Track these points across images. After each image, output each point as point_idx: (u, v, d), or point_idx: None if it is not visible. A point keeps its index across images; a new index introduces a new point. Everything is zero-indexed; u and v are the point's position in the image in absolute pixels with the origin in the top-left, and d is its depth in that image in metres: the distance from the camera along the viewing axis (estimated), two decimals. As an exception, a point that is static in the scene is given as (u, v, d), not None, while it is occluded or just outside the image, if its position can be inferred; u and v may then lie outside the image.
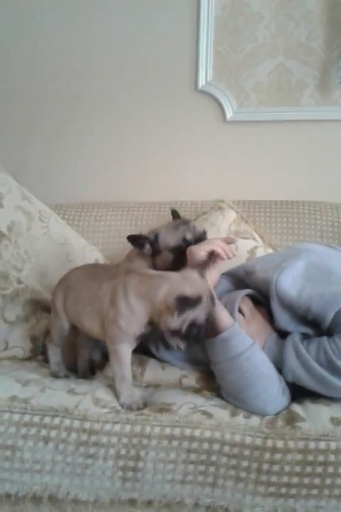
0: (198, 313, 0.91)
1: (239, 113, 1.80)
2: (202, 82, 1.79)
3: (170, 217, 1.29)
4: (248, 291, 1.16)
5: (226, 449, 0.89)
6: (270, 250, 1.52)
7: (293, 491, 0.87)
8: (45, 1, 1.84)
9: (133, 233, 1.19)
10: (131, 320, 0.95)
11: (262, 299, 1.16)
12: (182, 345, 0.95)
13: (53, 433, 0.92)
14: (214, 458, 0.89)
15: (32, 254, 1.32)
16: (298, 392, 1.03)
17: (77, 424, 0.92)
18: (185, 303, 0.89)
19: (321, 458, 0.87)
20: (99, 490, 0.91)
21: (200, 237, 1.18)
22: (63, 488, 0.92)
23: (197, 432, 0.91)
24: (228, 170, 1.82)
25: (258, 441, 0.89)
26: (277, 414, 0.98)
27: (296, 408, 0.98)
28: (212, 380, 1.07)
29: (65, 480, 0.91)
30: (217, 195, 1.68)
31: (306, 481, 0.87)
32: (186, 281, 0.93)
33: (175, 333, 0.92)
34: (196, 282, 0.94)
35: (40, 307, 1.27)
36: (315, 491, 0.86)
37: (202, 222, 1.56)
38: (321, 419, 0.93)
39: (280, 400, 1.00)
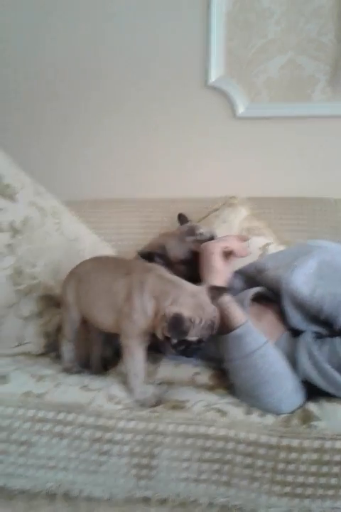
0: (190, 334, 0.90)
1: (250, 109, 1.78)
2: (212, 77, 1.77)
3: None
4: (257, 289, 1.15)
5: (241, 447, 0.88)
6: (282, 247, 1.50)
7: (309, 491, 0.86)
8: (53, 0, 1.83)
9: (142, 250, 1.18)
10: (142, 317, 0.95)
11: (273, 297, 1.14)
12: (173, 353, 0.95)
13: (67, 429, 0.92)
14: (228, 457, 0.88)
15: (45, 250, 1.31)
16: (313, 391, 1.01)
17: (91, 420, 0.92)
18: (178, 322, 0.89)
19: (337, 457, 0.85)
20: (113, 487, 0.91)
21: None
22: (77, 485, 0.91)
23: (211, 430, 0.90)
24: (239, 166, 1.81)
25: (273, 440, 0.88)
26: (292, 412, 0.96)
27: (311, 407, 0.96)
28: (225, 378, 1.06)
29: (79, 477, 0.91)
30: (229, 192, 1.67)
31: (322, 481, 0.85)
32: (191, 300, 0.91)
33: (167, 340, 0.92)
34: (200, 306, 0.91)
35: (54, 303, 1.26)
36: (331, 492, 0.85)
37: (213, 219, 1.54)
38: (337, 418, 0.92)
39: (295, 398, 0.99)
